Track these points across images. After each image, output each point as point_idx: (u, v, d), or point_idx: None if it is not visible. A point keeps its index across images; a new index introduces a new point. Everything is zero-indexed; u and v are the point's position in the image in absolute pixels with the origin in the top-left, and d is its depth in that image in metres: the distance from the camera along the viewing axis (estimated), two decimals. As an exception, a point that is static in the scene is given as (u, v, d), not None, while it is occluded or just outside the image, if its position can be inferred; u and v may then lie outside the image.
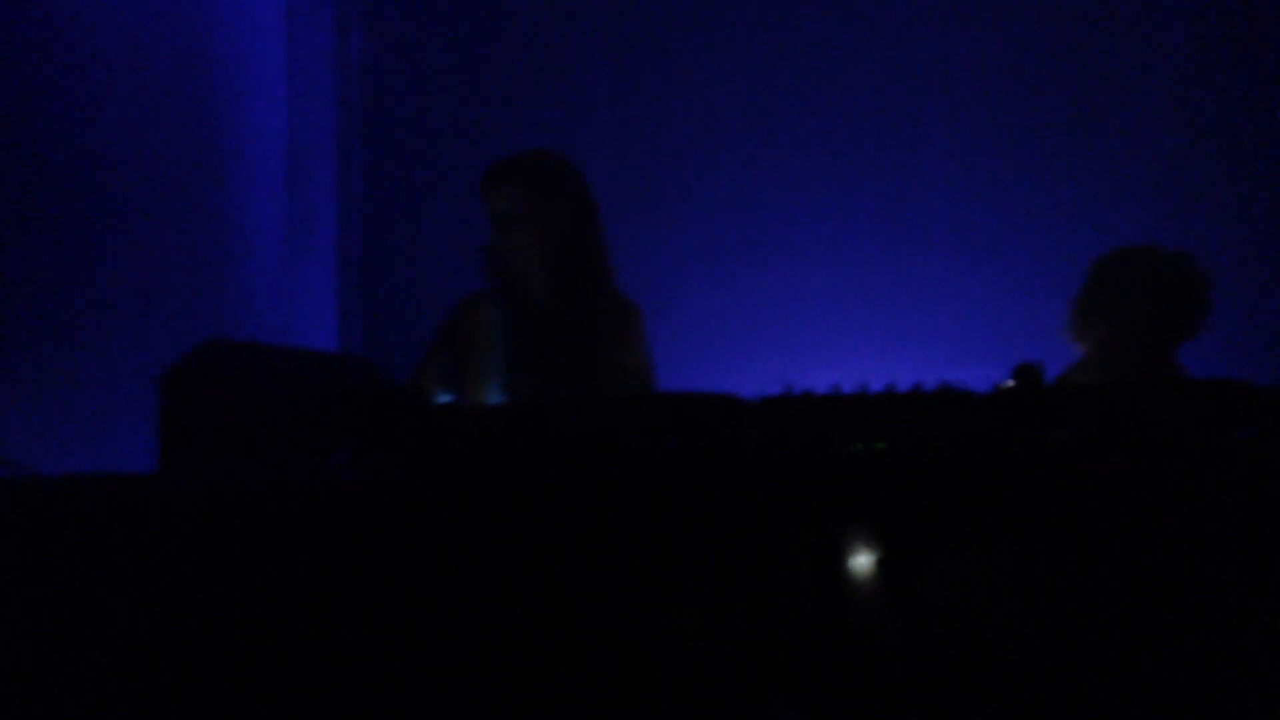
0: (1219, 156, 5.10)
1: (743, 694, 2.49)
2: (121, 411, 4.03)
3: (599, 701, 2.51)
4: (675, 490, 2.54)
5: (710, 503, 2.53)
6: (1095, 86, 5.20)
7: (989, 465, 2.50)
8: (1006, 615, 2.46)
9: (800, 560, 2.50)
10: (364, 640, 2.54)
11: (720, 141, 5.35)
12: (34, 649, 2.62)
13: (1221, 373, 2.74)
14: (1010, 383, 2.56)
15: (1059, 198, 5.14)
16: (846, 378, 2.61)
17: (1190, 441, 2.49)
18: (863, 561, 2.49)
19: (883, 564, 2.48)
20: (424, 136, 5.42)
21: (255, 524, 2.59)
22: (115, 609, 2.60)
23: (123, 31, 4.44)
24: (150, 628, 2.59)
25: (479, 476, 2.62)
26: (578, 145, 5.32)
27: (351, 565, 2.57)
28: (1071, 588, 2.45)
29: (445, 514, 2.58)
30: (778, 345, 5.13)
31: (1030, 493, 2.49)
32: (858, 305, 5.20)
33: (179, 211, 4.70)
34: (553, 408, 2.69)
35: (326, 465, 2.69)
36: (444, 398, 3.68)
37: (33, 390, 3.98)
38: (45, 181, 4.12)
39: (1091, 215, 5.11)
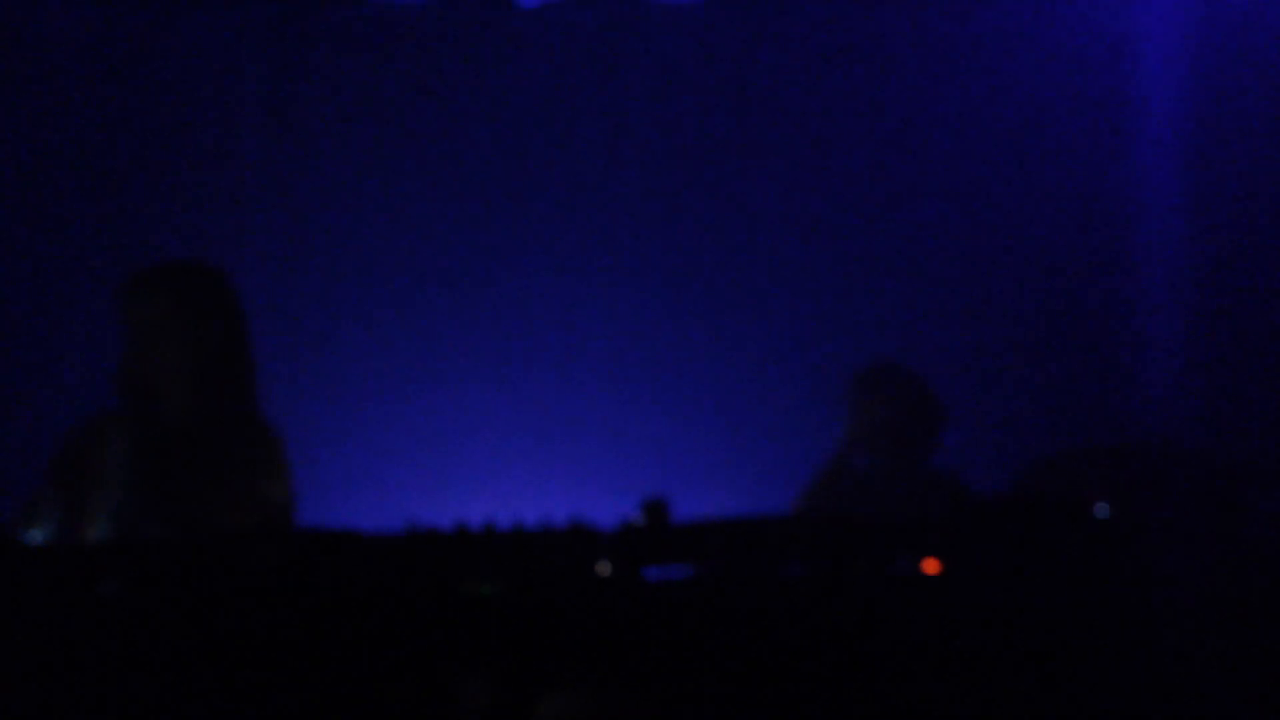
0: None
1: None
2: None
3: None
4: (287, 632, 2.45)
5: (326, 645, 2.44)
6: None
7: (614, 604, 2.48)
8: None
9: (418, 707, 2.43)
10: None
11: (355, 266, 5.21)
12: None
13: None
14: (637, 518, 2.55)
15: (706, 321, 5.18)
16: (479, 512, 2.54)
17: (813, 576, 2.51)
18: (483, 706, 2.44)
19: (503, 708, 2.43)
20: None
21: None
22: None
23: None
24: None
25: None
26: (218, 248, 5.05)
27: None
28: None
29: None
30: (413, 477, 5.00)
31: (655, 631, 2.48)
32: (500, 435, 5.13)
33: None
34: (148, 547, 2.61)
35: None
36: (40, 536, 3.38)
37: None
38: None
39: (742, 343, 5.16)
